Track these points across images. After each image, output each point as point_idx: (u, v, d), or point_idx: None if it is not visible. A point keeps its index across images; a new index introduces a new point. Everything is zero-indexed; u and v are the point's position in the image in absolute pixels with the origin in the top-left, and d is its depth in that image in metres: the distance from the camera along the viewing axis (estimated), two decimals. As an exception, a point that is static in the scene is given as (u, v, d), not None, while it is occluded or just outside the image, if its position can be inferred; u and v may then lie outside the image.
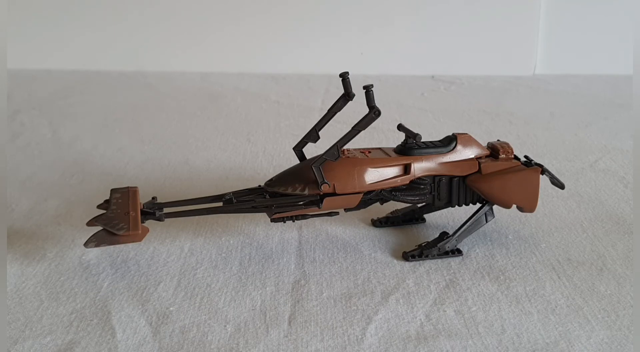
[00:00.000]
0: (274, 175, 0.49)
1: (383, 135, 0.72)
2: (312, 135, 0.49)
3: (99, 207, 0.48)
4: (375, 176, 0.47)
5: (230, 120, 0.81)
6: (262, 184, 0.49)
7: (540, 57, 1.00)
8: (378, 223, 0.53)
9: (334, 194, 0.46)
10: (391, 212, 0.54)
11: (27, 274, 0.46)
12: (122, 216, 0.45)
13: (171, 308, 0.43)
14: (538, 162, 0.50)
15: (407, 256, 0.48)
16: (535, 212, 0.55)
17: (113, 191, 0.48)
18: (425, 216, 0.54)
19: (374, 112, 0.45)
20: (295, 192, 0.46)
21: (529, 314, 0.42)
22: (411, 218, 0.54)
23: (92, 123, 0.81)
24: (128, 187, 0.48)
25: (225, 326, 0.41)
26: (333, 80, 0.93)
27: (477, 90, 0.92)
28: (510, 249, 0.50)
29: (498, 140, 0.51)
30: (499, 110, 0.84)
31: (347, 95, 0.48)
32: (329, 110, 0.48)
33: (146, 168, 0.66)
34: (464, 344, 0.39)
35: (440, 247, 0.48)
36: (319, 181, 0.46)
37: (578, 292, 0.44)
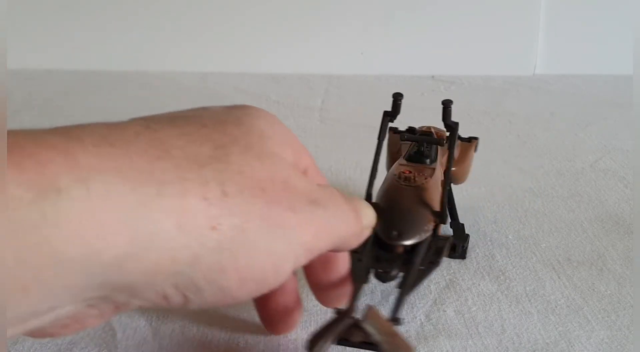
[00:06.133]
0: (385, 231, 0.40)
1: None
2: (373, 174, 0.44)
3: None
4: None
5: (230, 120, 0.81)
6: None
7: (540, 57, 1.00)
8: None
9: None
10: None
11: (27, 274, 0.46)
12: (400, 342, 0.35)
13: (171, 308, 0.43)
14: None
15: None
16: (535, 211, 0.55)
17: (368, 312, 0.35)
18: None
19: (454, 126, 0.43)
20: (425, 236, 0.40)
21: (529, 314, 0.42)
22: None
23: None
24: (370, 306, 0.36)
25: (225, 326, 0.41)
26: (333, 80, 0.93)
27: (477, 90, 0.92)
28: (510, 249, 0.50)
29: (422, 126, 0.50)
30: (499, 110, 0.83)
31: (393, 116, 0.44)
32: (379, 141, 0.45)
33: (146, 168, 0.66)
34: (464, 344, 0.39)
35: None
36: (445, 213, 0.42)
37: (578, 292, 0.44)
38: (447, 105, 0.43)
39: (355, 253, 0.39)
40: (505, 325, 0.41)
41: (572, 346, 0.39)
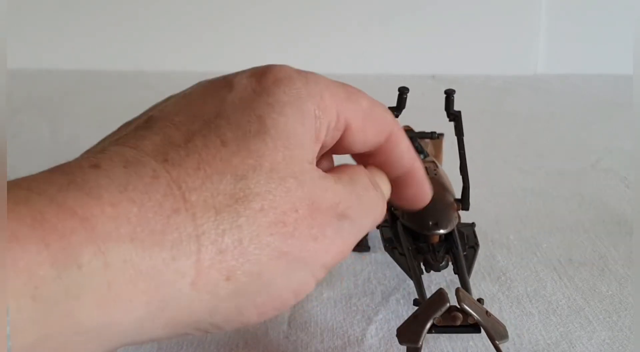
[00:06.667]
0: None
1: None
2: None
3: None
4: None
5: (230, 121, 0.81)
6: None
7: (541, 57, 1.00)
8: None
9: None
10: None
11: (26, 275, 0.46)
12: (495, 320, 0.35)
13: (171, 309, 0.42)
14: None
15: None
16: (536, 212, 0.55)
17: (460, 294, 0.34)
18: None
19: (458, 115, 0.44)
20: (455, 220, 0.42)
21: (530, 315, 0.42)
22: None
23: (92, 123, 0.80)
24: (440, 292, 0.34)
25: (225, 326, 0.41)
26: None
27: (477, 90, 0.92)
28: (511, 250, 0.49)
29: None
30: (499, 110, 0.83)
31: (398, 111, 0.44)
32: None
33: (146, 168, 0.66)
34: (465, 345, 0.39)
35: None
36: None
37: (579, 293, 0.44)
38: (450, 94, 0.44)
39: (394, 249, 0.42)
40: (506, 326, 0.41)
41: (573, 347, 0.39)
